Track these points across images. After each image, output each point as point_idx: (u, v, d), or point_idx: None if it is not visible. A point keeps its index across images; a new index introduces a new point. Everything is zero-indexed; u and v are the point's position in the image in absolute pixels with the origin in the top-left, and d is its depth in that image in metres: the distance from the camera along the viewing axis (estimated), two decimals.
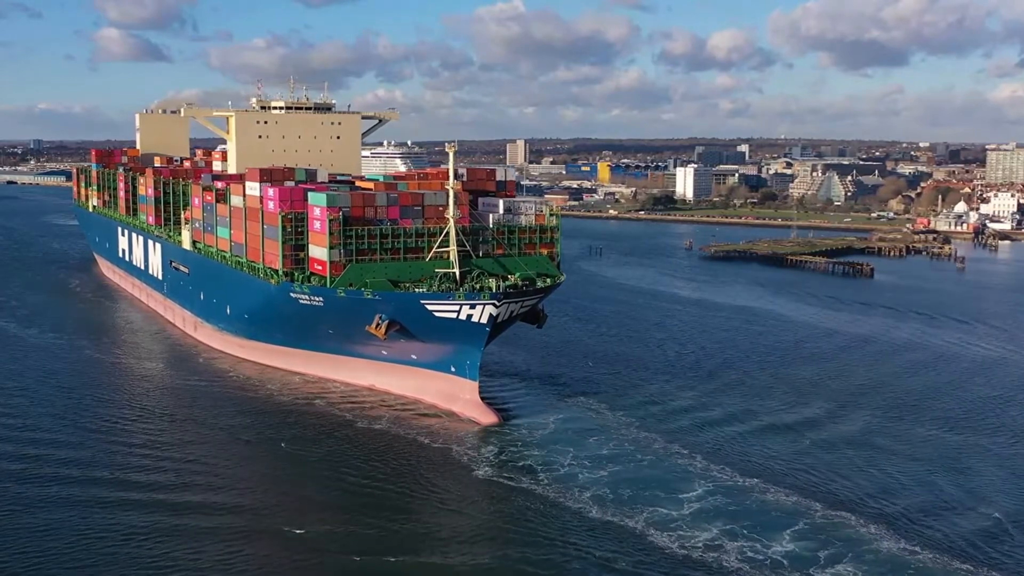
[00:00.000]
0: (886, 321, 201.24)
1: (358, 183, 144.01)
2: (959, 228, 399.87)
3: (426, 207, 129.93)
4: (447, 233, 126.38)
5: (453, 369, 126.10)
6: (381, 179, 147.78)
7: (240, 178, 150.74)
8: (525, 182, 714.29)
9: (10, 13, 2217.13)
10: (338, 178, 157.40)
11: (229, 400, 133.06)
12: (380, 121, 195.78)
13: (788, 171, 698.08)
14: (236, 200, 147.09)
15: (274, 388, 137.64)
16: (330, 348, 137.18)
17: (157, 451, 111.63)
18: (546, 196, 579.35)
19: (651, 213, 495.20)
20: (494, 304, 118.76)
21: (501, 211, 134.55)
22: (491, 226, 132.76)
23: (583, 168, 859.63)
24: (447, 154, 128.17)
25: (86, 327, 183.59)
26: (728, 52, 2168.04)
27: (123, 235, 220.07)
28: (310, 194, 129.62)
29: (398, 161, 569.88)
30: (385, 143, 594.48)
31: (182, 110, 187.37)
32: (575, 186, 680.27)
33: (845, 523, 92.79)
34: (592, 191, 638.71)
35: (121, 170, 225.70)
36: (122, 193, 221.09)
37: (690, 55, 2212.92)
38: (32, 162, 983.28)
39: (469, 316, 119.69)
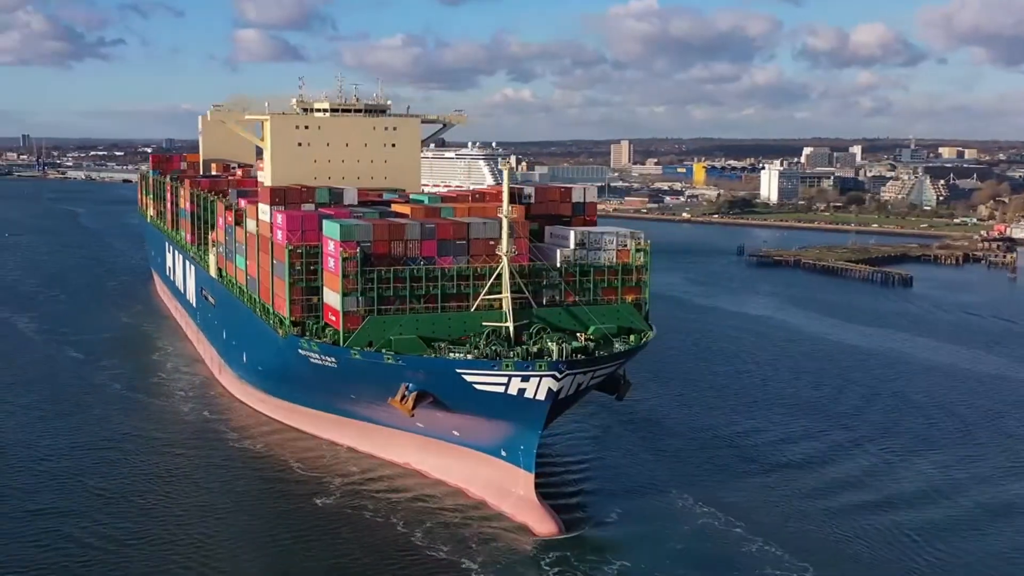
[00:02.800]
0: (891, 333, 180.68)
1: (395, 207, 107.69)
2: None
3: (472, 241, 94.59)
4: (499, 275, 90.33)
5: (504, 454, 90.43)
6: (426, 201, 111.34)
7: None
8: (618, 183, 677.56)
9: (154, 12, 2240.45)
10: (385, 197, 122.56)
11: (234, 470, 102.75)
12: (444, 125, 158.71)
13: (892, 173, 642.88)
14: (251, 225, 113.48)
15: (289, 458, 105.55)
16: (358, 414, 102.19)
17: (136, 545, 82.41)
18: (624, 199, 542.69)
19: (725, 217, 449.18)
20: (554, 376, 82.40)
21: (572, 245, 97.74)
22: (559, 265, 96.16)
23: (679, 170, 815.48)
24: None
25: (116, 351, 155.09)
26: (873, 48, 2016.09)
27: (169, 251, 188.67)
28: (325, 223, 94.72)
29: (481, 163, 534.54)
30: (469, 144, 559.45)
31: (209, 112, 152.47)
32: (666, 187, 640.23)
33: None
34: (679, 193, 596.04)
35: (168, 179, 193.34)
36: (168, 204, 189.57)
37: (832, 51, 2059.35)
38: None
39: (521, 391, 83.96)
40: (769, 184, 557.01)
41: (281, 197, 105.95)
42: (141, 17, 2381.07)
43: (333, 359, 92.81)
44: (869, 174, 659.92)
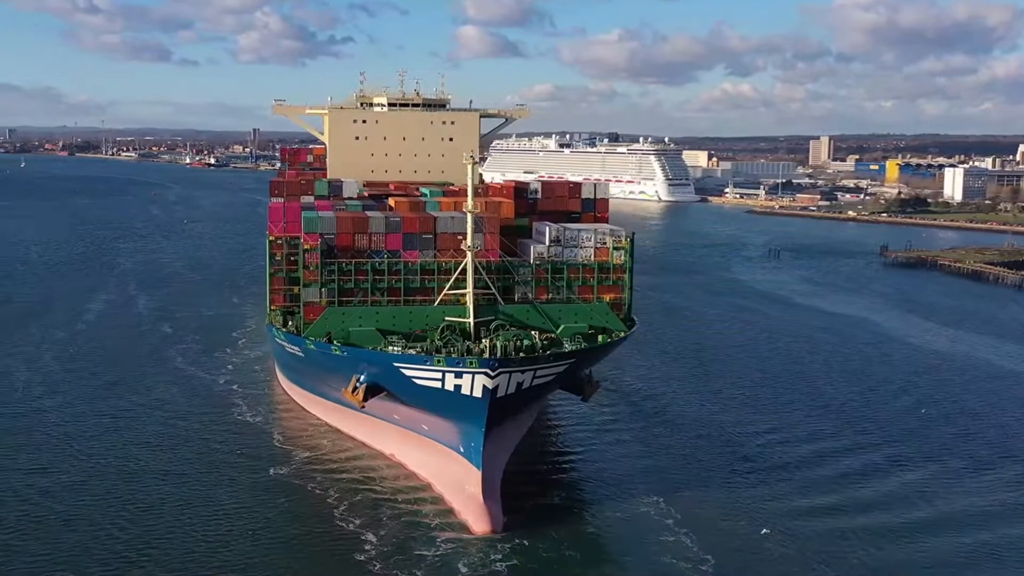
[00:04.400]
0: (987, 340, 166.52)
1: (391, 200, 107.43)
2: None
3: (439, 235, 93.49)
4: (463, 270, 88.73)
5: (461, 450, 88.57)
6: (428, 194, 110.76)
7: None
8: (803, 180, 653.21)
9: (381, 11, 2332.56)
10: (421, 191, 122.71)
11: (218, 438, 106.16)
12: (507, 120, 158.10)
13: None
14: None
15: (274, 432, 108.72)
16: (346, 402, 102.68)
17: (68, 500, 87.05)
18: (796, 196, 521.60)
19: (894, 216, 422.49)
20: (487, 374, 79.98)
21: (547, 242, 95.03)
22: (531, 262, 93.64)
23: (872, 167, 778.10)
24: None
25: (204, 328, 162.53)
26: None
27: None
28: (302, 215, 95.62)
29: (652, 158, 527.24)
30: (641, 140, 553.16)
31: (272, 106, 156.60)
32: (852, 185, 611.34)
33: None
34: (859, 191, 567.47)
35: (285, 170, 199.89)
36: None
37: None
38: None
39: (457, 387, 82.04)
40: (953, 183, 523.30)
41: (281, 189, 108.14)
42: (369, 16, 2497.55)
43: (298, 348, 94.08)
44: None
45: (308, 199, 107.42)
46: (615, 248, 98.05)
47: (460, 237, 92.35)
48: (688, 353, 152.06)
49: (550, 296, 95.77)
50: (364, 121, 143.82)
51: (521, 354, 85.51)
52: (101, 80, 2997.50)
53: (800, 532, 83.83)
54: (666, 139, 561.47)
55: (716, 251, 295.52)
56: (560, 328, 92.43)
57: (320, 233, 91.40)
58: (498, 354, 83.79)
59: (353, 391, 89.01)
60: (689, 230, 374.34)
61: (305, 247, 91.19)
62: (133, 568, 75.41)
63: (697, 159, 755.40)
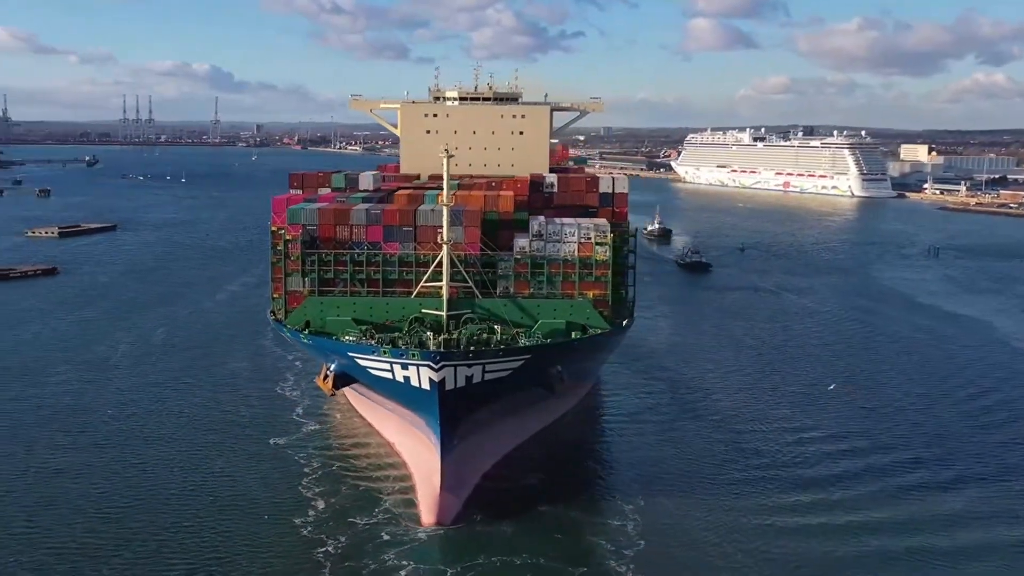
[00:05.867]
0: None
1: (397, 194, 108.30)
2: None
3: (419, 228, 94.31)
4: (440, 263, 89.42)
5: (429, 441, 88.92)
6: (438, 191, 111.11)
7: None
8: (1021, 175, 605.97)
9: (610, 5, 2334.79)
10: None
11: (244, 408, 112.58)
12: (581, 113, 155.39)
13: None
14: None
15: (298, 405, 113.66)
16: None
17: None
18: (1000, 193, 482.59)
19: None
20: (430, 366, 79.99)
21: (530, 235, 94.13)
22: (513, 256, 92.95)
23: None
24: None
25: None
26: None
27: None
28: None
29: (846, 152, 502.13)
30: (835, 134, 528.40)
31: (349, 101, 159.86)
32: None
33: None
34: None
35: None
36: None
37: None
38: None
39: (407, 379, 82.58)
40: None
41: (299, 181, 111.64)
42: (598, 10, 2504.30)
43: (285, 335, 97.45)
44: None
45: (325, 191, 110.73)
46: (598, 244, 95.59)
47: (439, 230, 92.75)
48: (768, 351, 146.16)
49: (531, 291, 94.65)
50: (435, 115, 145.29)
51: (472, 348, 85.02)
52: (344, 77, 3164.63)
53: (760, 538, 79.47)
54: (863, 132, 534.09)
55: (875, 249, 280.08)
56: (538, 323, 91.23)
57: (303, 224, 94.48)
58: (441, 349, 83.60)
59: (324, 379, 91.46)
60: (864, 227, 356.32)
61: (287, 237, 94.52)
62: (87, 509, 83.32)
63: (916, 153, 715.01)
